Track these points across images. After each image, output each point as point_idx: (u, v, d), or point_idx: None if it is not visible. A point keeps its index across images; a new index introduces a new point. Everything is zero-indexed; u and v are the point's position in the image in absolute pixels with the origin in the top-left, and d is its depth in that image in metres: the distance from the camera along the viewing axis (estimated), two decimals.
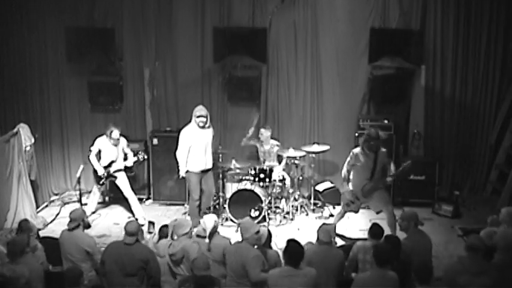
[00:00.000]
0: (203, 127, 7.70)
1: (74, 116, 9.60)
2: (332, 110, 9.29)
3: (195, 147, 7.75)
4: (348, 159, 7.28)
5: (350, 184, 7.37)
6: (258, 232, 5.73)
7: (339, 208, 8.43)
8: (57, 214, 8.82)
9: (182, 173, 7.89)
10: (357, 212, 7.57)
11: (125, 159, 8.50)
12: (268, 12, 8.99)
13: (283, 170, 8.73)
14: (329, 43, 9.08)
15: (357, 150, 7.25)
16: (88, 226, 6.30)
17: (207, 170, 7.96)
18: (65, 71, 9.37)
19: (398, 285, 4.97)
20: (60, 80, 9.45)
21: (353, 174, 7.31)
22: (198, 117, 7.65)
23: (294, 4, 8.97)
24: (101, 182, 8.37)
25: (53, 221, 8.59)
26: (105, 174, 8.28)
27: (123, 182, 8.44)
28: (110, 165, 8.34)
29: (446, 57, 8.92)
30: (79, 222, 6.08)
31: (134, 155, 8.54)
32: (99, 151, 8.34)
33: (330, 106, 9.29)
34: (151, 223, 7.63)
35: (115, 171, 8.36)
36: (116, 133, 8.21)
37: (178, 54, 9.25)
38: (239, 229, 5.88)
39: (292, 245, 5.19)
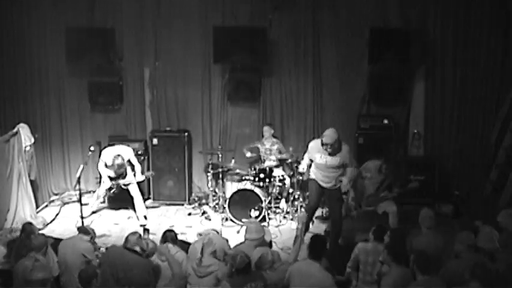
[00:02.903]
0: (329, 154, 6.85)
1: (74, 116, 9.59)
2: (332, 110, 9.29)
3: (316, 163, 7.02)
4: (360, 170, 7.34)
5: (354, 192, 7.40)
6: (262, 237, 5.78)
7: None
8: (57, 214, 8.83)
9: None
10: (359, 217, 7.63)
11: (133, 169, 8.33)
12: (268, 12, 8.98)
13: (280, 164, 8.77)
14: (329, 43, 9.08)
15: (369, 165, 7.26)
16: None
17: (329, 189, 7.12)
18: (65, 71, 9.37)
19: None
20: (60, 80, 9.45)
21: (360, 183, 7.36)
22: (324, 144, 6.78)
23: (294, 4, 8.97)
24: (111, 191, 8.33)
25: (53, 221, 8.60)
26: (114, 186, 8.23)
27: (132, 187, 8.32)
28: (118, 177, 8.21)
29: (446, 57, 8.91)
30: (91, 234, 6.16)
31: (142, 174, 8.40)
32: (106, 164, 8.16)
33: (329, 106, 9.29)
34: (146, 230, 7.64)
35: (125, 184, 8.25)
36: (118, 160, 8.00)
37: (178, 54, 9.24)
38: (244, 228, 5.88)
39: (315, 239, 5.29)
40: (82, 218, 7.41)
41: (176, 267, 5.55)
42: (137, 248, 5.57)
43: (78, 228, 6.28)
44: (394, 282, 4.99)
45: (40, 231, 6.60)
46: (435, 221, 5.93)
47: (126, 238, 5.59)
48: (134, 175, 8.33)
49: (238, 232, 6.41)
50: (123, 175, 8.17)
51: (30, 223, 6.50)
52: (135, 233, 5.75)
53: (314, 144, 7.00)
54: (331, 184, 7.02)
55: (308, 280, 4.95)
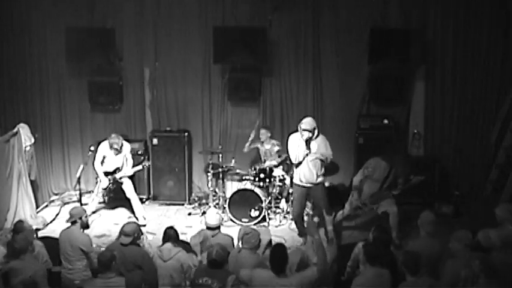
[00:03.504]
0: (308, 140, 7.05)
1: (74, 116, 9.60)
2: (332, 110, 9.30)
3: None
4: (363, 170, 7.40)
5: (358, 193, 7.45)
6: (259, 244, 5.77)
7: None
8: (57, 214, 8.83)
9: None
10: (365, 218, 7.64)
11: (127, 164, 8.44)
12: (268, 12, 8.99)
13: (280, 164, 8.76)
14: (329, 43, 9.08)
15: (373, 163, 7.33)
16: (86, 226, 6.31)
17: (312, 186, 7.22)
18: (65, 71, 9.37)
19: (391, 282, 5.01)
20: (60, 80, 9.45)
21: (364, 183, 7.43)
22: (303, 130, 7.02)
23: (294, 4, 8.97)
24: (105, 187, 8.37)
25: (53, 221, 8.60)
26: (111, 181, 8.29)
27: (127, 185, 8.43)
28: (114, 171, 8.32)
29: (446, 57, 8.91)
30: (76, 219, 6.13)
31: (138, 164, 8.50)
32: (104, 157, 8.29)
33: (329, 106, 9.30)
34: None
35: (120, 178, 8.34)
36: (115, 142, 8.16)
37: (178, 54, 9.25)
38: (241, 238, 5.84)
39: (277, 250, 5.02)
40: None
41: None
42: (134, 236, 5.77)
43: (68, 221, 6.28)
44: (364, 283, 4.99)
45: (39, 231, 6.59)
46: (435, 226, 5.84)
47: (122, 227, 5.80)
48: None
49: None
50: (118, 152, 8.22)
51: (21, 221, 6.50)
52: (130, 222, 5.91)
53: (295, 137, 7.16)
54: (314, 177, 7.14)
55: None
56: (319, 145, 7.11)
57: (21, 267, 5.38)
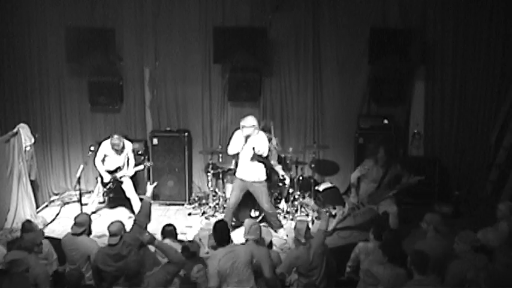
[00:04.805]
0: (248, 136, 7.52)
1: (74, 116, 9.60)
2: (332, 110, 9.30)
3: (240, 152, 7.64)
4: (360, 168, 7.44)
5: (356, 191, 7.47)
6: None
7: (338, 208, 8.46)
8: (57, 214, 8.83)
9: None
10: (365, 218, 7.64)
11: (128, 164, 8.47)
12: (268, 12, 8.98)
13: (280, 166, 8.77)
14: (329, 43, 9.08)
15: (369, 163, 7.38)
16: (90, 232, 6.28)
17: (253, 182, 7.62)
18: (65, 71, 9.37)
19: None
20: (60, 80, 9.45)
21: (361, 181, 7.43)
22: (242, 127, 7.48)
23: (294, 4, 8.97)
24: (107, 187, 8.37)
25: (53, 221, 8.60)
26: (112, 179, 8.29)
27: (127, 184, 8.44)
28: (115, 170, 8.33)
29: (447, 57, 8.91)
30: (86, 227, 6.08)
31: (139, 164, 8.51)
32: (105, 155, 8.32)
33: (330, 106, 9.30)
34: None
35: (121, 177, 8.35)
36: (116, 144, 8.22)
37: (178, 54, 9.25)
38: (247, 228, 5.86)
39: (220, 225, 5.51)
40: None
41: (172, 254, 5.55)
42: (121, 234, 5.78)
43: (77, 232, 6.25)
44: (387, 282, 4.99)
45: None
46: (445, 225, 5.96)
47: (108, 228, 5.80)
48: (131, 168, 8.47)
49: None
50: (119, 152, 8.28)
51: (29, 221, 6.50)
52: (115, 222, 5.90)
53: (239, 133, 7.56)
54: (255, 172, 7.53)
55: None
56: (256, 141, 7.43)
57: (22, 257, 5.40)
